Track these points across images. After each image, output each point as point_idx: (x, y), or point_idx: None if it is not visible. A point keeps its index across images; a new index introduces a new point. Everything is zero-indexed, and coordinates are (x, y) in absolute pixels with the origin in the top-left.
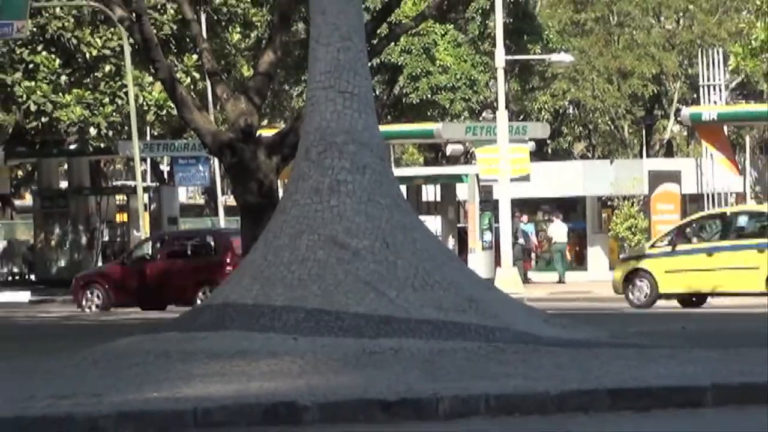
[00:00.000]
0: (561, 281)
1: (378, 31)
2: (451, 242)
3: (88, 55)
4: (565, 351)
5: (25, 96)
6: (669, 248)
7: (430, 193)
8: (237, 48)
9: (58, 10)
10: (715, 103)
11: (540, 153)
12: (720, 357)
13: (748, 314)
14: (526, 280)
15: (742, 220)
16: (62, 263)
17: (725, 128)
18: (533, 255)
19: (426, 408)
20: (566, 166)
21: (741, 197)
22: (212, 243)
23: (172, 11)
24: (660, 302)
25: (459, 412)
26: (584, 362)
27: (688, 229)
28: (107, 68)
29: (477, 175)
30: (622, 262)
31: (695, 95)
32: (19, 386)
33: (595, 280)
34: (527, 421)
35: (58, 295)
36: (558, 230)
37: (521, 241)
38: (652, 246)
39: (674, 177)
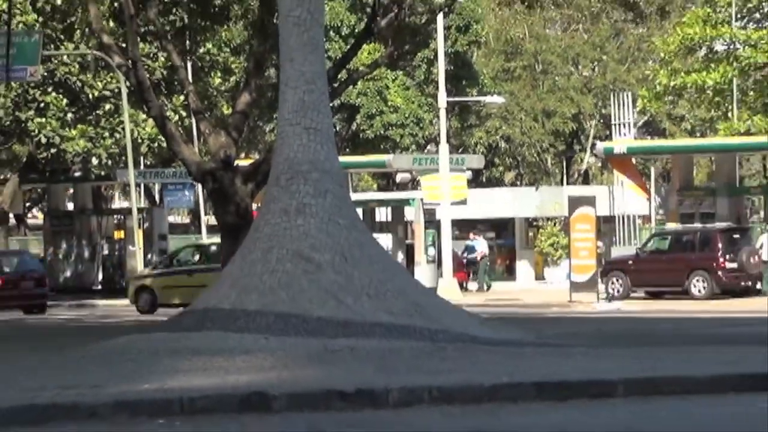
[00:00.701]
0: (488, 289)
1: (338, 76)
2: (400, 256)
3: (90, 96)
4: (497, 349)
5: (37, 130)
6: (164, 269)
7: (383, 214)
8: (218, 90)
9: (65, 57)
10: (625, 136)
11: (476, 181)
12: (628, 354)
13: (654, 318)
14: (485, 287)
15: (212, 249)
16: (68, 273)
17: (633, 160)
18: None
19: (378, 398)
20: (498, 191)
21: (647, 219)
22: None
23: (162, 59)
24: None
25: (406, 401)
26: (513, 359)
27: (180, 254)
28: (107, 107)
29: (422, 200)
30: (132, 280)
31: (608, 132)
32: (31, 379)
33: (523, 289)
34: (464, 409)
35: (65, 301)
36: (482, 246)
37: (471, 255)
38: (154, 267)
39: (590, 201)
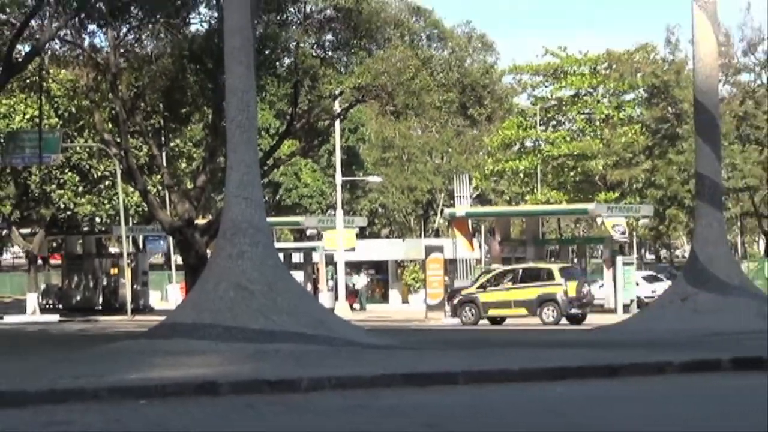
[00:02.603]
0: (364, 309)
1: (267, 162)
2: (309, 287)
3: (95, 175)
4: (376, 351)
5: (57, 199)
6: None
7: (297, 257)
8: (184, 172)
9: (78, 148)
10: (463, 205)
11: (362, 234)
12: (467, 354)
13: (484, 329)
14: (362, 308)
15: None
16: (78, 298)
17: (470, 221)
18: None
19: (294, 385)
20: (377, 242)
21: (478, 261)
22: None
23: (145, 149)
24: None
25: (313, 387)
26: (387, 357)
27: None
28: (106, 183)
29: (324, 247)
30: None
31: (452, 201)
32: (51, 371)
33: (394, 310)
34: (354, 393)
35: (76, 318)
36: (363, 280)
37: (358, 285)
38: None
39: (440, 249)
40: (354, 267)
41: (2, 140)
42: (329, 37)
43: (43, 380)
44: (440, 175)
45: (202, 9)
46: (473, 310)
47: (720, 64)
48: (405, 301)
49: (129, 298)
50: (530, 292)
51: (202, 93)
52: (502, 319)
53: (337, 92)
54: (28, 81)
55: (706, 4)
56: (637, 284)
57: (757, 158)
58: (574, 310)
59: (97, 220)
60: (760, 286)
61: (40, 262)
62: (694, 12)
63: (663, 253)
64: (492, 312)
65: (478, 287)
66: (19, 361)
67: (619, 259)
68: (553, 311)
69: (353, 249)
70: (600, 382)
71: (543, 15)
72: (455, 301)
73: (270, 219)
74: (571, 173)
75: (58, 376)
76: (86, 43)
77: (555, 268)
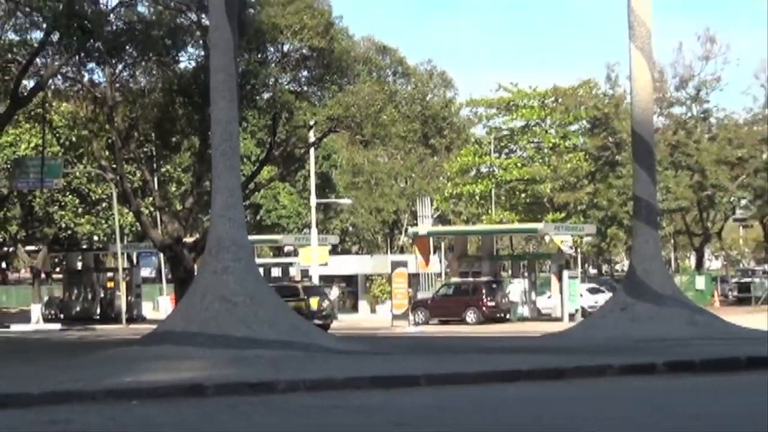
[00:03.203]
0: (336, 319)
1: (248, 186)
2: None
3: (93, 197)
4: (347, 356)
5: (59, 219)
6: None
7: (276, 272)
8: (173, 195)
9: (77, 173)
10: (425, 224)
11: (334, 251)
12: (429, 358)
13: (444, 336)
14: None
15: None
16: (78, 309)
17: (431, 239)
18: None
19: (272, 387)
20: (348, 257)
21: (439, 275)
22: None
23: (138, 174)
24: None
25: (290, 389)
26: (357, 362)
27: None
28: (103, 204)
29: (300, 263)
30: None
31: (415, 221)
32: (52, 375)
33: (362, 319)
34: (327, 393)
35: (76, 326)
36: (335, 292)
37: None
38: None
39: (404, 264)
40: (327, 280)
41: (9, 166)
42: (304, 73)
43: (46, 383)
44: (404, 198)
45: (190, 48)
46: None
47: (655, 98)
48: (373, 311)
49: (124, 309)
50: None
51: (190, 124)
52: None
53: (311, 123)
54: (32, 113)
55: (642, 44)
56: (582, 295)
57: (688, 182)
58: (316, 321)
59: (95, 238)
60: (690, 297)
61: (43, 276)
62: (632, 51)
63: (604, 267)
64: None
65: None
66: (23, 365)
67: (566, 273)
68: None
69: (326, 264)
70: (548, 384)
71: (497, 54)
72: None
73: (251, 237)
74: (522, 196)
75: (59, 379)
76: (86, 78)
77: (299, 287)
